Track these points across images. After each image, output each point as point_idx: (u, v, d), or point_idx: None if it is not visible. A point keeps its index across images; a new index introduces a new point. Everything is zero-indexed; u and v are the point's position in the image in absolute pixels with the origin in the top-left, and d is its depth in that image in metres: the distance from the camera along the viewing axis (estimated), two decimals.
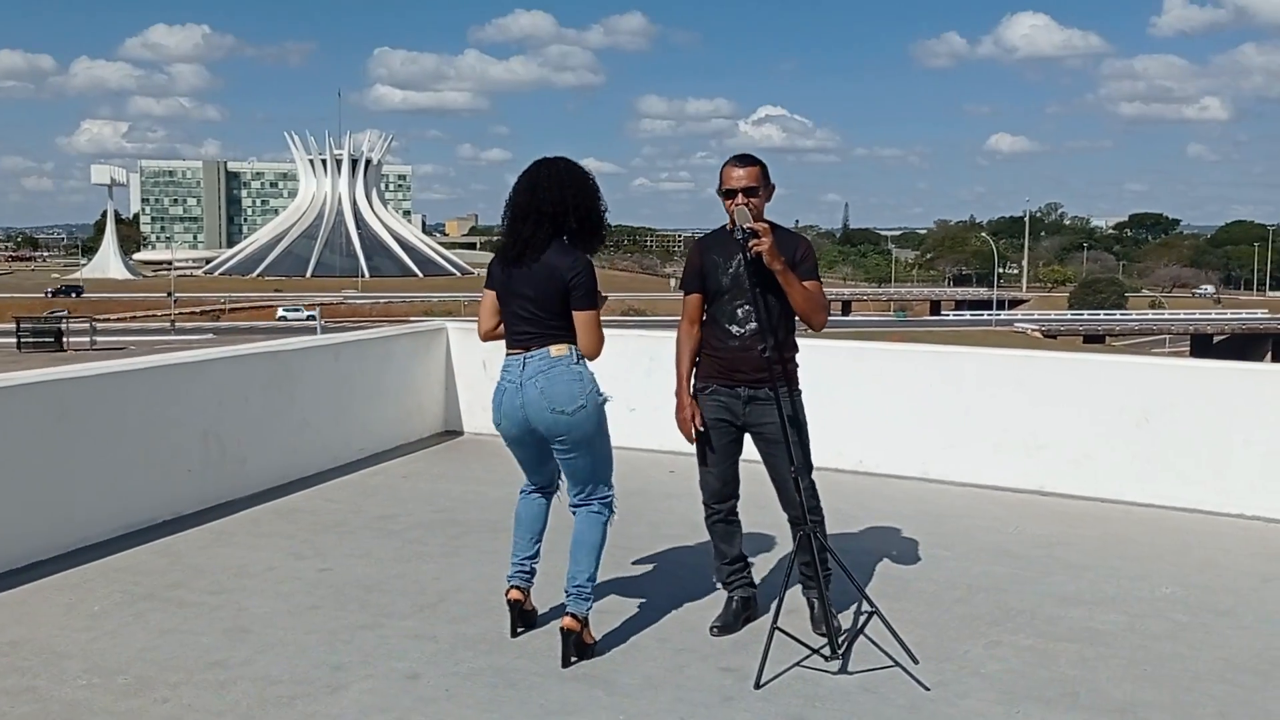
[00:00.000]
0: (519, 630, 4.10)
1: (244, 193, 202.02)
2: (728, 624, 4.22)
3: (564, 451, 3.97)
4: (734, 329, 4.06)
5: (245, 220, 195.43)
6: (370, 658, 3.92)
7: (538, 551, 4.15)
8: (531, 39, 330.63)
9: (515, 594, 4.12)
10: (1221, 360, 7.97)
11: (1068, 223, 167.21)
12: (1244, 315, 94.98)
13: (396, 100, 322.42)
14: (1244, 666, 3.93)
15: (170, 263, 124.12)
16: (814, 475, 4.13)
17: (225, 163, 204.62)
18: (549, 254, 3.87)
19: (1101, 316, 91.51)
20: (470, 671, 3.81)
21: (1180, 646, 4.11)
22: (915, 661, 3.83)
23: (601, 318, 3.98)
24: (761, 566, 4.84)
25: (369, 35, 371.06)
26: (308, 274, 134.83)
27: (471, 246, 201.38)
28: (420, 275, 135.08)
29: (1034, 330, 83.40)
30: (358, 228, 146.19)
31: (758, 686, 3.67)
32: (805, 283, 3.96)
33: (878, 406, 6.74)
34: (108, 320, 73.22)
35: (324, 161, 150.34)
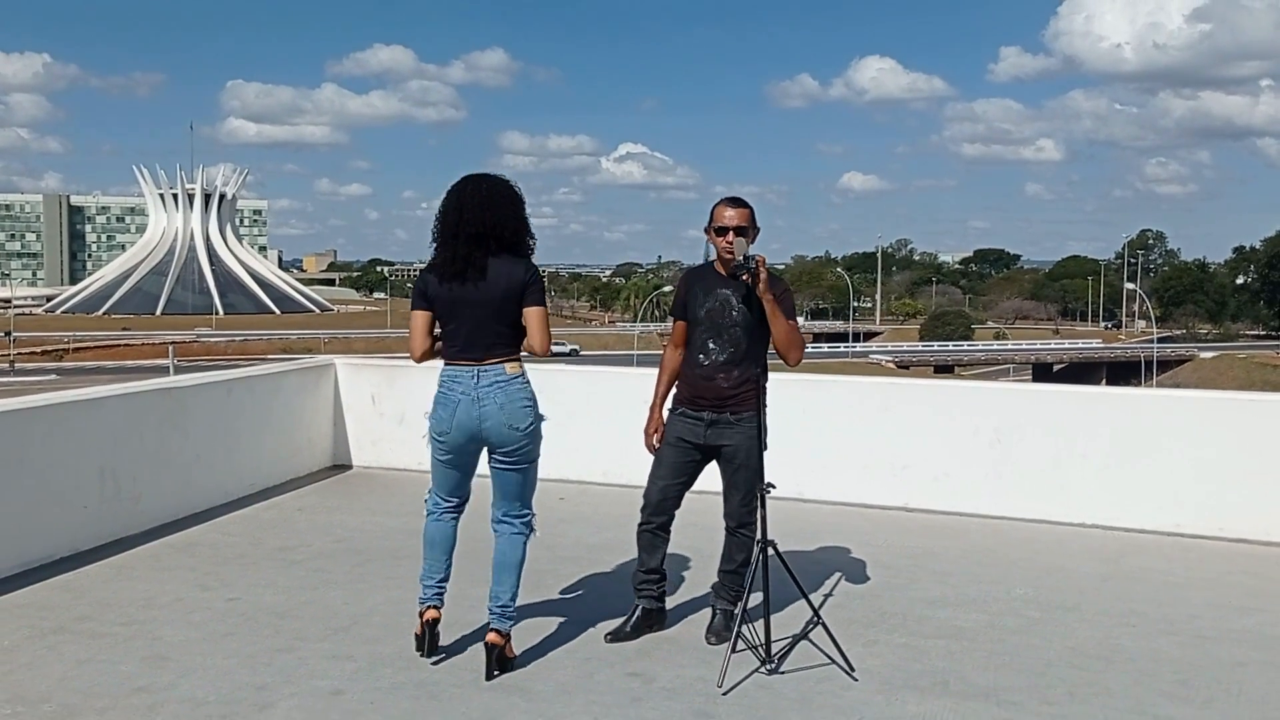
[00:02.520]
0: (430, 652, 4.18)
1: (88, 228, 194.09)
2: (620, 631, 4.53)
3: (506, 466, 4.15)
4: (702, 358, 4.40)
5: (89, 256, 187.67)
6: (292, 678, 4.08)
7: (449, 572, 4.30)
8: (391, 73, 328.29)
9: (433, 614, 4.20)
10: (1061, 385, 8.68)
11: (917, 258, 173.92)
12: (1080, 345, 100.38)
13: (251, 133, 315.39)
14: (1089, 653, 4.43)
15: (8, 301, 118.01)
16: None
17: (68, 196, 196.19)
18: (495, 267, 4.04)
19: (950, 347, 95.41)
20: (392, 686, 4.01)
21: (1034, 639, 4.60)
22: (850, 669, 4.15)
23: None
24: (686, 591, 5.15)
25: (221, 67, 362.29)
26: (158, 311, 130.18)
27: (330, 283, 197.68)
28: (278, 312, 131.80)
29: (888, 362, 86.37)
30: (211, 264, 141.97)
31: (720, 686, 3.97)
32: (789, 321, 4.32)
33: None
34: None
35: (175, 196, 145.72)
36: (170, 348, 69.34)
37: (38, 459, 5.47)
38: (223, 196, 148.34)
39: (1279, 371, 78.59)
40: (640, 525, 4.59)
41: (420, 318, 4.18)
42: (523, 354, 4.18)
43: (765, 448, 4.38)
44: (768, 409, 4.44)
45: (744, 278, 4.21)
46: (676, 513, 4.57)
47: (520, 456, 4.14)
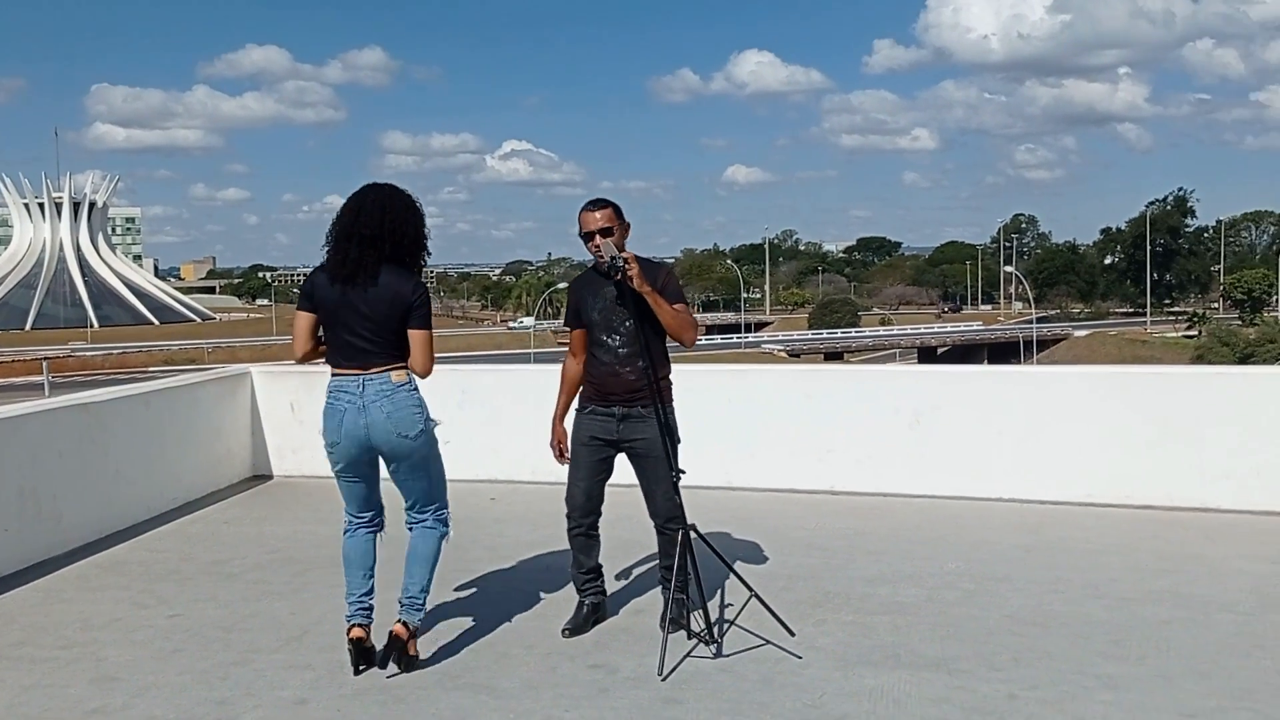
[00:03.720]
0: (361, 668, 4.10)
1: None
2: (578, 626, 4.59)
3: (403, 473, 4.17)
4: (604, 355, 4.46)
5: None
6: (252, 690, 4.03)
7: (372, 587, 4.22)
8: (266, 74, 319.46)
9: (358, 632, 4.13)
10: (978, 366, 8.99)
11: (802, 248, 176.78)
12: (963, 328, 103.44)
13: (120, 139, 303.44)
14: (1026, 620, 4.64)
15: None
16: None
17: None
18: (386, 276, 4.03)
19: (839, 335, 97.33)
20: (356, 692, 4.00)
21: (973, 609, 4.80)
22: (792, 635, 4.32)
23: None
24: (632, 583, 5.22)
25: (86, 71, 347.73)
26: (27, 326, 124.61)
27: (211, 290, 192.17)
28: (157, 323, 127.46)
29: (779, 350, 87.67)
30: (83, 275, 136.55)
31: (660, 674, 4.05)
32: (674, 305, 4.40)
33: (680, 422, 7.26)
34: None
35: (41, 205, 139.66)
36: (44, 364, 66.55)
37: None
38: (92, 205, 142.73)
39: (1148, 346, 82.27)
40: (570, 529, 4.64)
41: (304, 319, 4.16)
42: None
43: (679, 440, 4.48)
44: (673, 402, 4.52)
45: (617, 278, 4.29)
46: (603, 508, 4.64)
47: (413, 465, 4.15)
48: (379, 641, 4.18)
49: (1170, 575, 5.26)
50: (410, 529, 4.28)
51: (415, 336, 4.09)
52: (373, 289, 4.02)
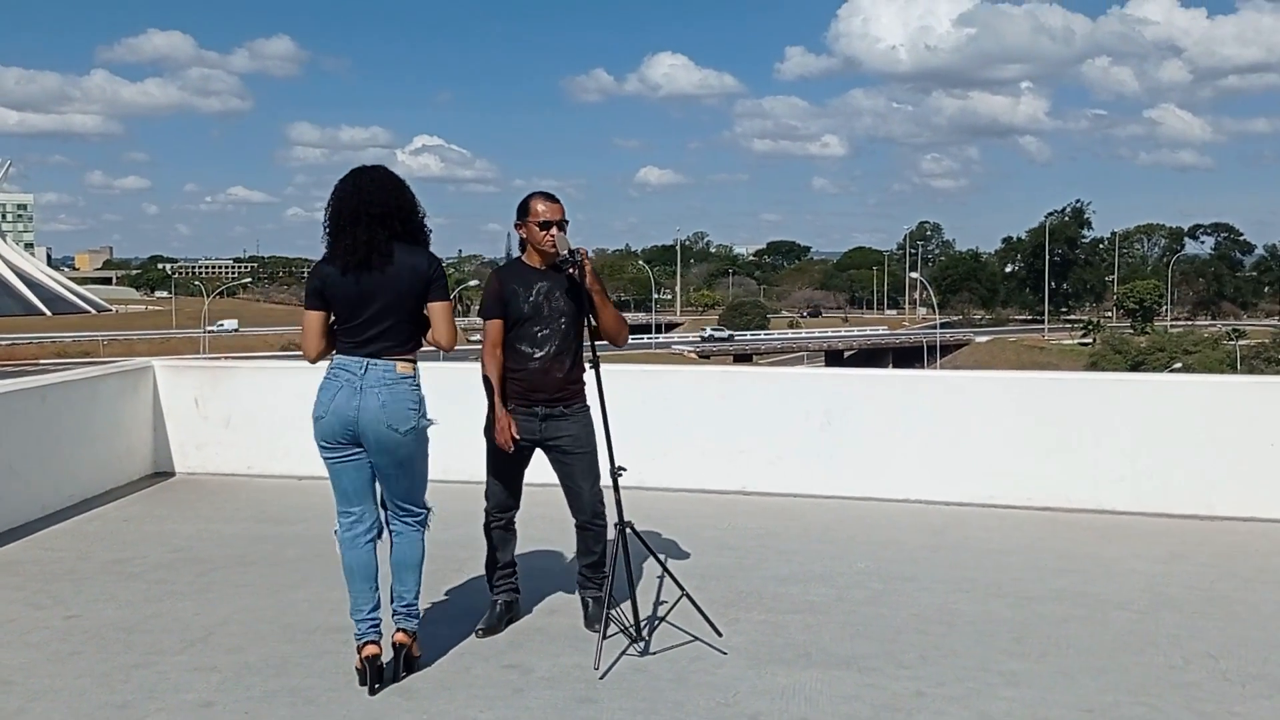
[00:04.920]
0: (376, 687, 3.91)
1: None
2: (492, 625, 4.57)
3: (386, 468, 4.03)
4: (534, 352, 4.41)
5: None
6: (154, 693, 3.92)
7: (379, 600, 4.05)
8: (168, 60, 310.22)
9: (372, 649, 3.95)
10: (888, 370, 9.16)
11: (713, 250, 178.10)
12: (869, 332, 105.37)
13: (12, 122, 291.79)
14: (932, 619, 4.75)
15: None
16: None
17: None
18: (400, 254, 3.94)
19: (749, 337, 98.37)
20: (264, 694, 3.92)
21: (881, 608, 4.90)
22: (719, 634, 4.35)
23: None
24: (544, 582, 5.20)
25: None
26: None
27: (107, 281, 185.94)
28: (49, 314, 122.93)
29: (689, 352, 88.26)
30: None
31: (597, 669, 4.06)
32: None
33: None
34: None
35: None
36: None
37: None
38: None
39: (1046, 353, 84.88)
40: (489, 523, 4.63)
41: (316, 318, 4.03)
42: (421, 349, 4.11)
43: (608, 434, 4.44)
44: (600, 397, 4.48)
45: (570, 271, 4.30)
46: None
47: (398, 460, 4.02)
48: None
49: (1070, 575, 5.43)
50: (391, 530, 4.14)
51: (436, 309, 4.02)
52: (390, 268, 3.92)
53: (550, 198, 4.44)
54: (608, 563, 4.43)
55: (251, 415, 7.63)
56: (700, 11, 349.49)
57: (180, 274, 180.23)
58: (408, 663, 4.07)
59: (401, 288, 3.95)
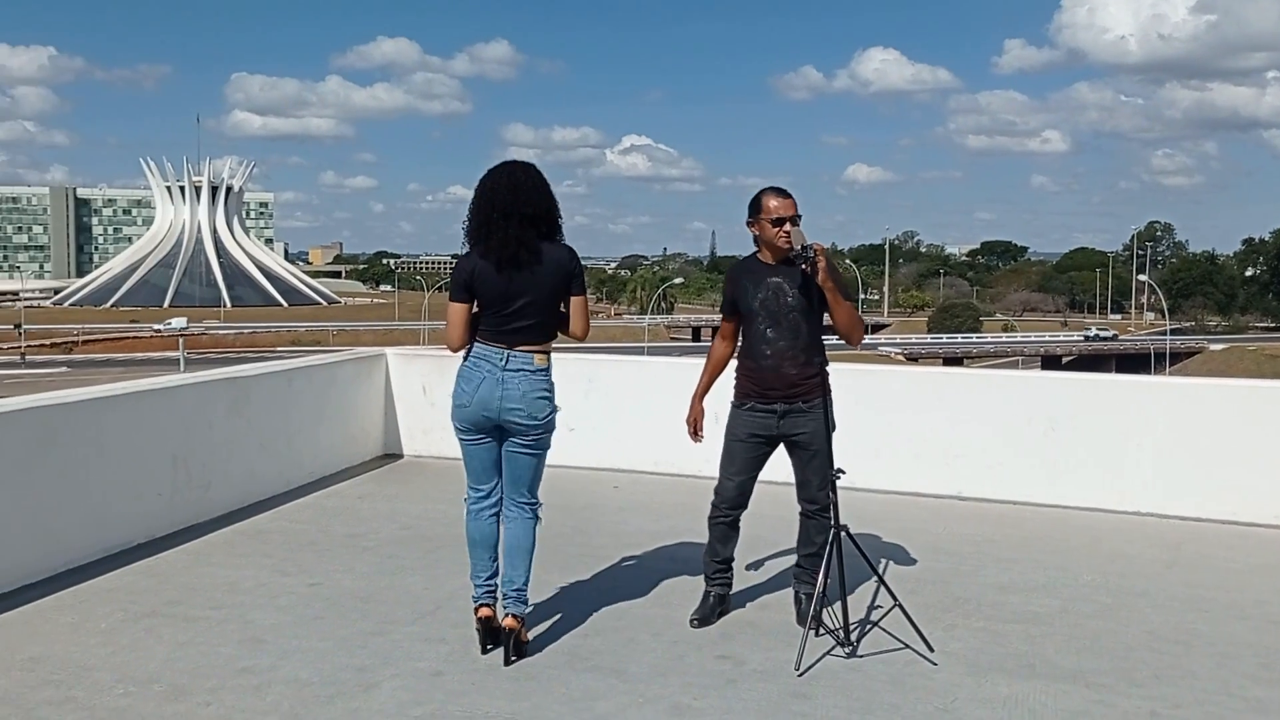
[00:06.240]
0: (489, 647, 4.16)
1: (94, 220, 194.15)
2: (705, 616, 4.61)
3: (517, 453, 4.20)
4: (766, 349, 4.43)
5: (96, 249, 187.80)
6: (390, 659, 4.16)
7: (497, 568, 4.28)
8: (395, 66, 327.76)
9: (486, 611, 4.20)
10: (1116, 375, 8.72)
11: (924, 250, 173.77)
12: (1089, 335, 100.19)
13: (256, 126, 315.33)
14: (1167, 638, 4.50)
15: (17, 293, 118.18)
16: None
17: (74, 189, 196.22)
18: (546, 252, 4.09)
19: (959, 340, 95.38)
20: (488, 667, 4.09)
21: (1110, 623, 4.67)
22: (931, 649, 4.22)
23: None
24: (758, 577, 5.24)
25: (226, 60, 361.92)
26: (165, 304, 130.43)
27: (336, 275, 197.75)
28: (285, 305, 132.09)
29: (897, 354, 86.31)
30: (218, 256, 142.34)
31: (798, 669, 4.04)
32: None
33: None
34: None
35: (182, 188, 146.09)
36: (180, 340, 69.49)
37: (115, 447, 5.55)
38: (229, 189, 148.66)
39: None
40: (715, 518, 4.66)
41: (460, 310, 4.18)
42: (556, 342, 4.25)
43: (834, 428, 4.43)
44: (832, 393, 4.48)
45: (804, 267, 4.26)
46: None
47: (529, 447, 4.19)
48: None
49: None
50: (505, 516, 4.30)
51: (576, 302, 4.19)
52: (538, 267, 4.06)
53: (783, 193, 4.43)
54: (823, 561, 4.40)
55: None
56: (914, 5, 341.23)
57: (403, 269, 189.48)
58: (517, 647, 4.12)
59: (547, 285, 4.09)
